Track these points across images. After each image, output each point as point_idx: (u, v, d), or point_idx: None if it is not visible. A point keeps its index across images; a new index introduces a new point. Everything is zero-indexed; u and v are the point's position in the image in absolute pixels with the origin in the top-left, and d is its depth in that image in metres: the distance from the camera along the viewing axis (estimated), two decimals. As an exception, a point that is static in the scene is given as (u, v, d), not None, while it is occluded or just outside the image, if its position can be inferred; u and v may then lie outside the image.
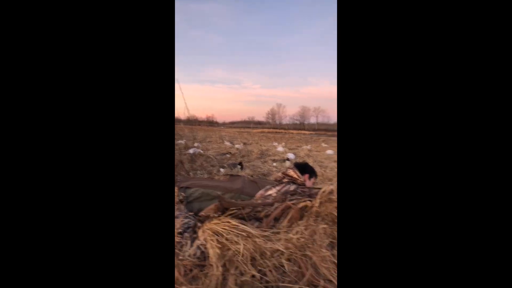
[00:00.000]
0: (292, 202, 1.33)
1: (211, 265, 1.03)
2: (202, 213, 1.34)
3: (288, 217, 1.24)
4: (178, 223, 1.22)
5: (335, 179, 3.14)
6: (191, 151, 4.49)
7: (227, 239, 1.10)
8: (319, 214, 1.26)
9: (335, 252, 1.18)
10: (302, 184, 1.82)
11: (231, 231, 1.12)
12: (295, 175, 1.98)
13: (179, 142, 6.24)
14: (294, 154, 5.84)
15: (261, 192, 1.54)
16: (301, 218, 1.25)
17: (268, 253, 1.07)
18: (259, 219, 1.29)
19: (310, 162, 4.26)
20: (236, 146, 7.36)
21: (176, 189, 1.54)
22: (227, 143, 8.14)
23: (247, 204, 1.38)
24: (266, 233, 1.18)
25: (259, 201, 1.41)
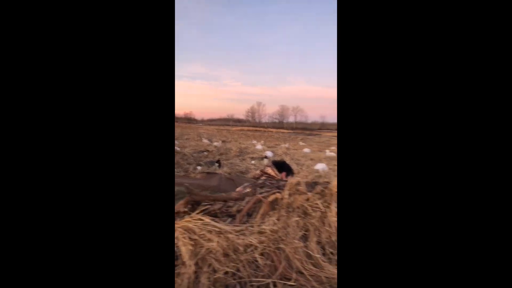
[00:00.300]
0: (262, 195, 1.34)
1: (183, 263, 1.00)
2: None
3: (261, 211, 1.25)
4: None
5: (311, 176, 3.24)
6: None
7: (199, 236, 1.08)
8: (290, 206, 1.28)
9: (308, 243, 1.22)
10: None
11: (203, 228, 1.10)
12: (273, 173, 2.02)
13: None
14: (273, 152, 5.92)
15: (239, 189, 1.54)
16: (272, 210, 1.26)
17: (241, 249, 1.07)
18: (231, 215, 1.28)
19: (288, 160, 4.35)
20: (215, 143, 7.27)
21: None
22: (205, 141, 8.01)
23: (217, 197, 1.37)
24: (239, 228, 1.18)
25: (232, 195, 1.41)
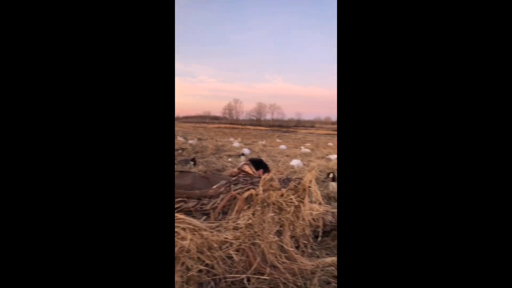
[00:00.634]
0: (237, 192, 1.34)
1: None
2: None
3: (236, 208, 1.25)
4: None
5: (286, 172, 3.31)
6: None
7: (172, 235, 1.05)
8: (265, 202, 1.30)
9: (282, 238, 1.25)
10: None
11: (177, 225, 1.07)
12: (250, 171, 2.01)
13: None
14: (250, 149, 5.94)
15: (214, 188, 1.51)
16: (247, 207, 1.27)
17: (216, 245, 1.06)
18: (206, 214, 1.27)
19: (264, 157, 4.39)
20: (190, 141, 7.07)
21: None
22: (180, 139, 7.77)
23: (191, 194, 1.34)
24: (214, 225, 1.17)
25: (207, 192, 1.39)
